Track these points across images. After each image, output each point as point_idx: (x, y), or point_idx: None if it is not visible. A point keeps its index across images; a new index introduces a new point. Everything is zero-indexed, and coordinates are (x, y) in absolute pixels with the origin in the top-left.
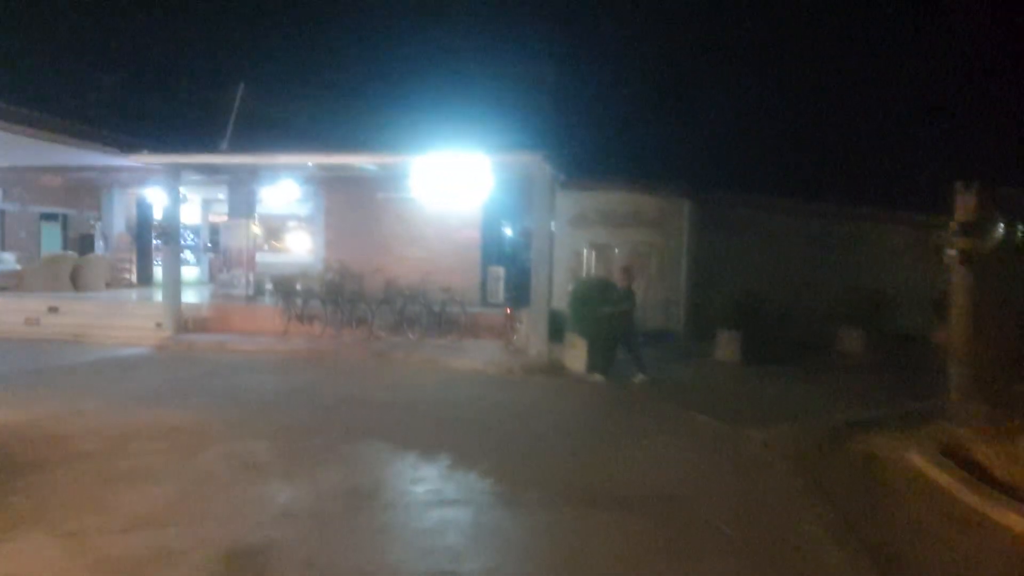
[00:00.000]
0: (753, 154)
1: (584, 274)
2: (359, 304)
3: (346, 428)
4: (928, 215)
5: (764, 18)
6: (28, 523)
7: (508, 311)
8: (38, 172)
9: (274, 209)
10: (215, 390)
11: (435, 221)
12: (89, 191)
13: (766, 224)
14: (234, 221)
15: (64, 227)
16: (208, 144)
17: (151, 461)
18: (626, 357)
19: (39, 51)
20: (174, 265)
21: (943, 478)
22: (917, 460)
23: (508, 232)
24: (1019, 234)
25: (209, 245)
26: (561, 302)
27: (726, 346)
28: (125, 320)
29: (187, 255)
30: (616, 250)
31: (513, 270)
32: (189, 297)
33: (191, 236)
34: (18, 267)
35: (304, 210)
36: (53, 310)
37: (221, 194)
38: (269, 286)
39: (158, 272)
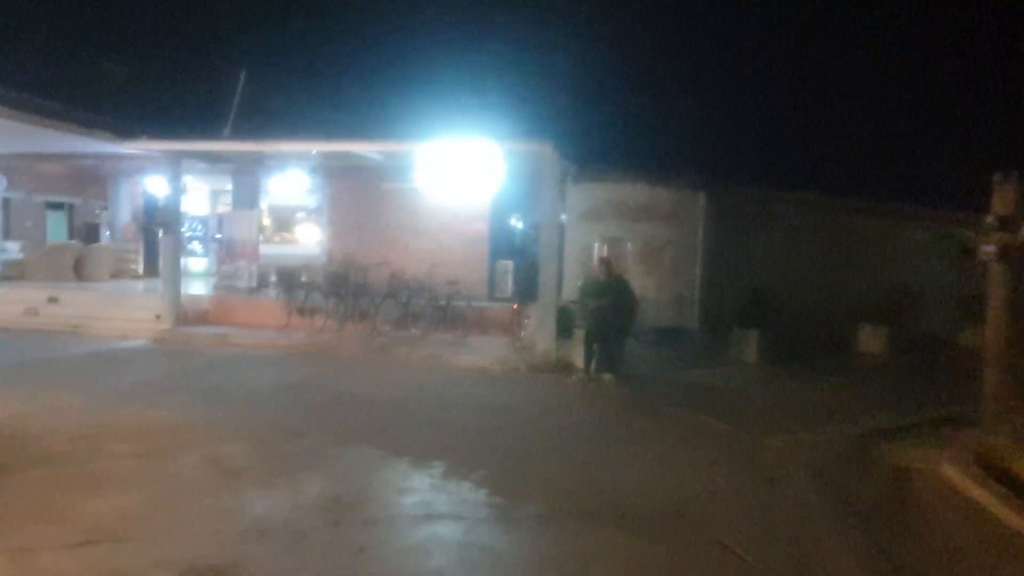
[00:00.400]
0: (772, 146)
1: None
2: (362, 297)
3: (337, 429)
4: (953, 211)
5: (785, 7)
6: None
7: (515, 307)
8: (38, 160)
9: (283, 200)
10: (206, 386)
11: (442, 213)
12: (95, 180)
13: (784, 219)
14: (238, 211)
15: (70, 216)
16: (210, 131)
17: (122, 465)
18: (599, 351)
19: (36, 35)
20: (174, 256)
21: (981, 494)
22: (951, 473)
23: (518, 225)
24: None
25: (219, 236)
26: (571, 298)
27: (742, 345)
28: (125, 312)
29: (195, 246)
30: (629, 244)
31: (522, 264)
32: (195, 288)
33: (199, 227)
34: (22, 256)
35: (312, 201)
36: (53, 300)
37: (230, 184)
38: (274, 278)
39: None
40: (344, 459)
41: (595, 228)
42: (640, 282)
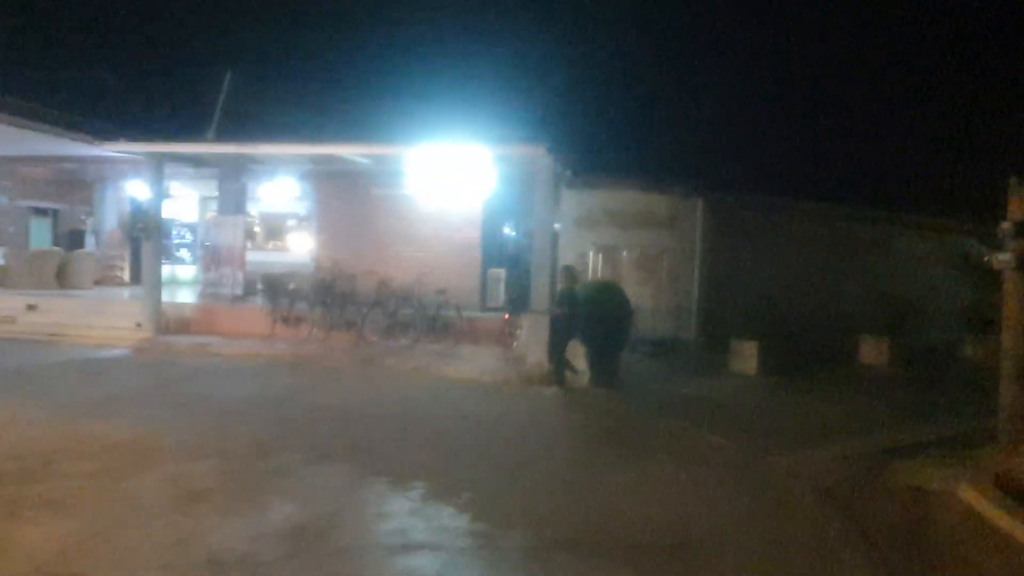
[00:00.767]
0: (772, 153)
1: (590, 277)
2: (349, 306)
3: (312, 446)
4: (955, 219)
5: (786, 11)
6: None
7: (507, 316)
8: (18, 163)
9: (273, 207)
10: (180, 398)
11: (432, 219)
12: (81, 186)
13: (785, 227)
14: (222, 217)
15: (55, 223)
16: (192, 134)
17: (74, 487)
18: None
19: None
20: (155, 263)
21: (1003, 519)
22: (970, 496)
23: (511, 233)
24: None
25: (208, 244)
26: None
27: (742, 357)
28: (105, 320)
29: (184, 253)
30: (624, 252)
31: (515, 272)
32: (183, 296)
33: (188, 234)
34: (3, 263)
35: (303, 209)
36: (32, 308)
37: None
38: (261, 285)
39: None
40: (317, 479)
41: (590, 236)
42: (636, 291)
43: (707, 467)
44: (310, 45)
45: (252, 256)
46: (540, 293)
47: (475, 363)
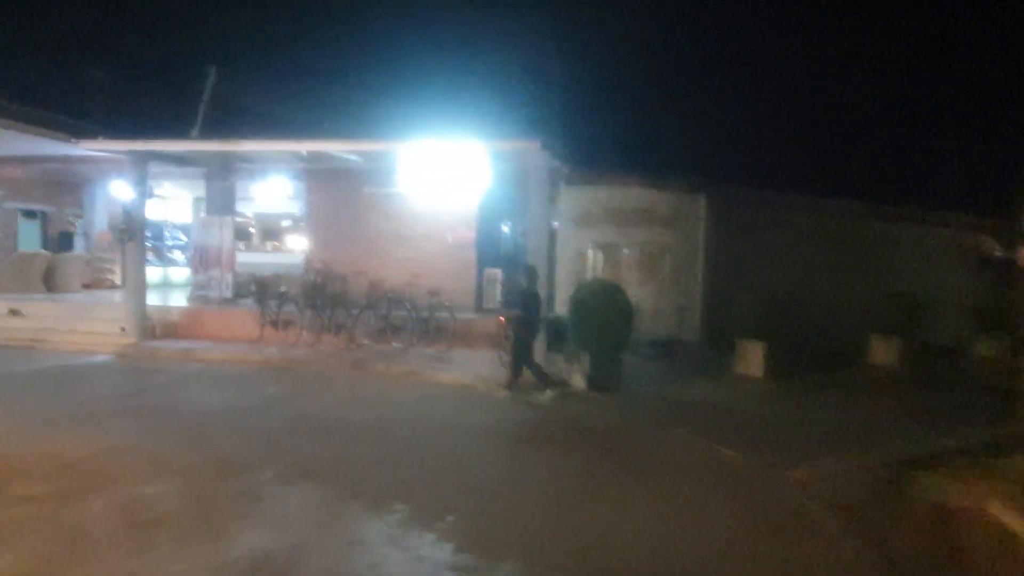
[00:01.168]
0: (776, 147)
1: (589, 277)
2: (339, 308)
3: (288, 462)
4: (966, 215)
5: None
6: None
7: (501, 319)
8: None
9: (269, 208)
10: (156, 408)
11: (426, 218)
12: (70, 187)
13: (790, 223)
14: (210, 218)
15: (43, 225)
16: (174, 132)
17: (19, 512)
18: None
19: None
20: (138, 265)
21: None
22: (1000, 512)
23: (507, 231)
24: None
25: (196, 245)
26: (563, 308)
27: (747, 358)
28: (89, 324)
29: (177, 255)
30: (625, 251)
31: (512, 273)
32: (175, 299)
33: (183, 235)
34: None
35: (298, 209)
36: (14, 312)
37: None
38: (254, 288)
39: (148, 273)
40: (287, 501)
41: (589, 234)
42: (637, 291)
43: (713, 482)
44: (301, 40)
45: (247, 257)
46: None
47: (469, 367)
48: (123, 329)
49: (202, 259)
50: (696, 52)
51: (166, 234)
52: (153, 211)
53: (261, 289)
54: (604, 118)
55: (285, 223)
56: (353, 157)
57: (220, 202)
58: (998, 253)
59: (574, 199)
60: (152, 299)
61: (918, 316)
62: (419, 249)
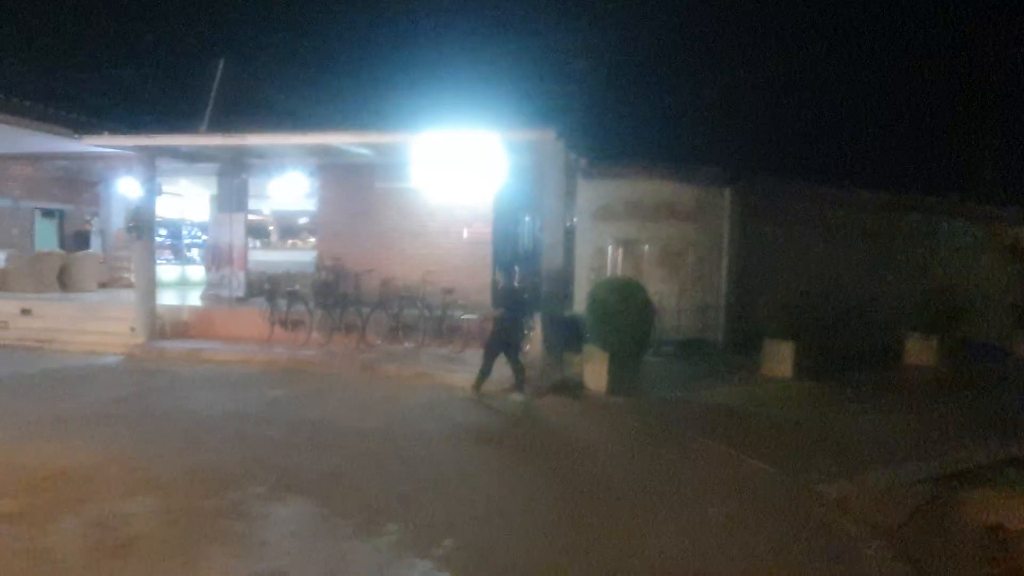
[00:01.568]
0: (806, 137)
1: (608, 274)
2: (349, 307)
3: (281, 475)
4: (1008, 207)
5: None
6: None
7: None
8: (5, 161)
9: (284, 205)
10: (153, 413)
11: (440, 214)
12: (87, 185)
13: (821, 217)
14: (222, 215)
15: (61, 224)
16: (181, 126)
17: None
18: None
19: None
20: (147, 264)
21: None
22: None
23: (526, 227)
24: None
25: (209, 243)
26: (582, 307)
27: (776, 358)
28: (99, 324)
29: (194, 253)
30: (646, 247)
31: (529, 270)
32: (191, 298)
33: (201, 234)
34: (2, 265)
35: (314, 205)
36: (26, 312)
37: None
38: (267, 286)
39: (164, 272)
40: (273, 521)
41: (608, 230)
42: (659, 288)
43: (742, 499)
44: (312, 32)
45: (265, 256)
46: (552, 292)
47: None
48: (132, 329)
49: (215, 257)
50: (721, 37)
51: (184, 232)
52: (171, 209)
53: (271, 288)
54: (624, 108)
55: (302, 221)
56: (364, 151)
57: (233, 199)
58: None
59: (592, 193)
60: (168, 298)
61: (956, 313)
62: (433, 246)
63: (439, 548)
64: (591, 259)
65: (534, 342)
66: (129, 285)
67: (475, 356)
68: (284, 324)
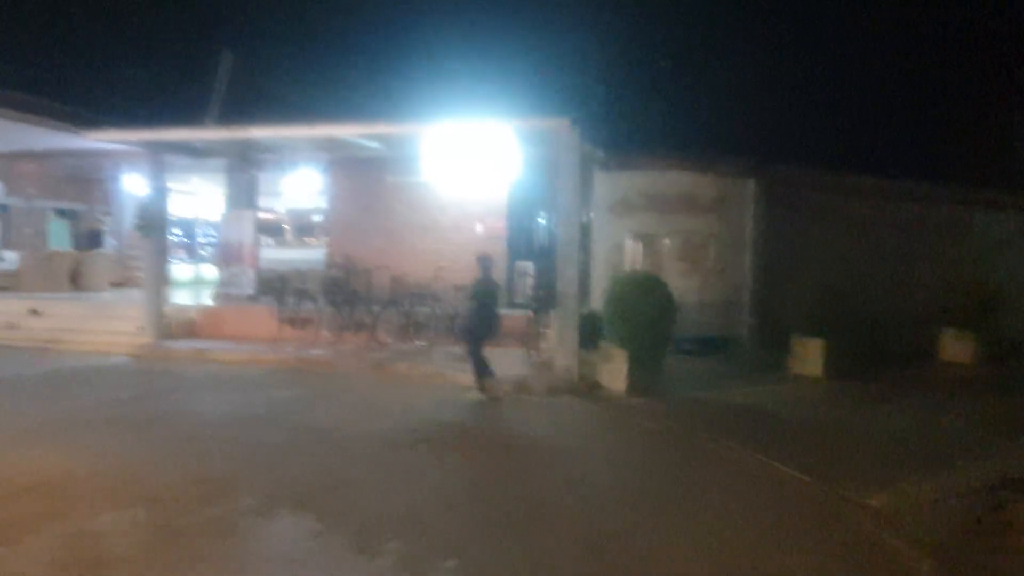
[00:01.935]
0: (833, 125)
1: (627, 269)
2: (359, 305)
3: (278, 484)
4: None
5: None
6: None
7: (531, 315)
8: (13, 159)
9: (298, 202)
10: (151, 417)
11: (452, 208)
12: (100, 185)
13: (850, 208)
14: (232, 212)
15: (74, 223)
16: (187, 121)
17: None
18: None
19: None
20: (156, 262)
21: None
22: None
23: (543, 222)
24: None
25: (220, 241)
26: (599, 304)
27: (804, 356)
28: (108, 324)
29: (208, 252)
30: (666, 241)
31: (544, 266)
32: (203, 296)
33: (215, 233)
34: (14, 265)
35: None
36: (35, 312)
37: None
38: (278, 285)
39: (178, 271)
40: (263, 538)
41: (626, 223)
42: (679, 284)
43: (775, 512)
44: (319, 23)
45: (278, 253)
46: (568, 289)
47: (495, 368)
48: (140, 329)
49: (225, 255)
50: (743, 21)
51: (198, 231)
52: (185, 207)
53: (275, 286)
54: (642, 97)
55: (316, 218)
56: (373, 144)
57: (242, 196)
58: None
59: (610, 186)
60: (182, 297)
61: (993, 308)
62: (445, 241)
63: (442, 568)
64: (609, 254)
65: (550, 340)
66: (141, 284)
67: (490, 355)
68: (293, 323)
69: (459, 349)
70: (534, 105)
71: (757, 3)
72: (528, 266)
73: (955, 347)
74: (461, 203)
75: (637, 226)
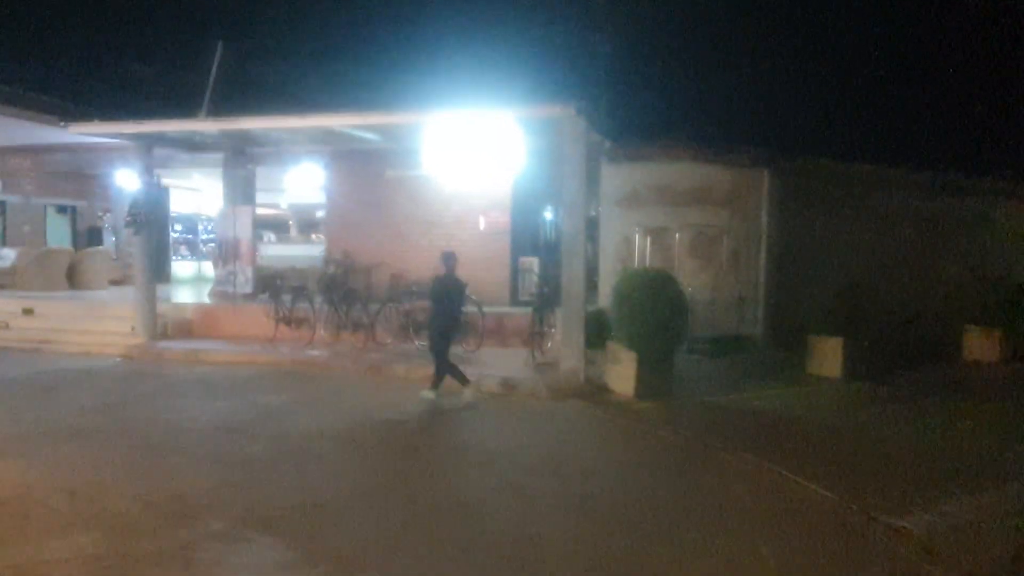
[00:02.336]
0: (852, 113)
1: (637, 266)
2: (356, 303)
3: (252, 504)
4: None
5: None
6: None
7: (533, 313)
8: (2, 154)
9: (300, 199)
10: (128, 426)
11: (454, 203)
12: (100, 180)
13: (870, 201)
14: (228, 208)
15: (74, 220)
16: (176, 112)
17: None
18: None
19: None
20: (147, 260)
21: None
22: None
23: (548, 217)
24: None
25: (216, 238)
26: (607, 302)
27: (822, 356)
28: (101, 324)
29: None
30: (677, 235)
31: (550, 262)
32: (203, 294)
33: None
34: (9, 263)
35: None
36: (28, 312)
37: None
38: (279, 282)
39: (180, 268)
40: (224, 568)
41: (635, 217)
42: (691, 280)
43: (799, 536)
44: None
45: (279, 250)
46: (572, 286)
47: (498, 370)
48: (133, 329)
49: (222, 253)
50: (757, 5)
51: (200, 227)
52: (186, 203)
53: (271, 284)
54: (652, 85)
55: (320, 214)
56: (370, 135)
57: (239, 191)
58: None
59: (618, 178)
60: (183, 295)
61: (1020, 304)
62: (447, 237)
63: None
64: (617, 249)
65: (555, 340)
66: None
67: (490, 355)
68: (290, 322)
69: (459, 350)
70: (537, 93)
71: None
72: (533, 262)
73: (981, 345)
74: (463, 197)
75: (647, 220)
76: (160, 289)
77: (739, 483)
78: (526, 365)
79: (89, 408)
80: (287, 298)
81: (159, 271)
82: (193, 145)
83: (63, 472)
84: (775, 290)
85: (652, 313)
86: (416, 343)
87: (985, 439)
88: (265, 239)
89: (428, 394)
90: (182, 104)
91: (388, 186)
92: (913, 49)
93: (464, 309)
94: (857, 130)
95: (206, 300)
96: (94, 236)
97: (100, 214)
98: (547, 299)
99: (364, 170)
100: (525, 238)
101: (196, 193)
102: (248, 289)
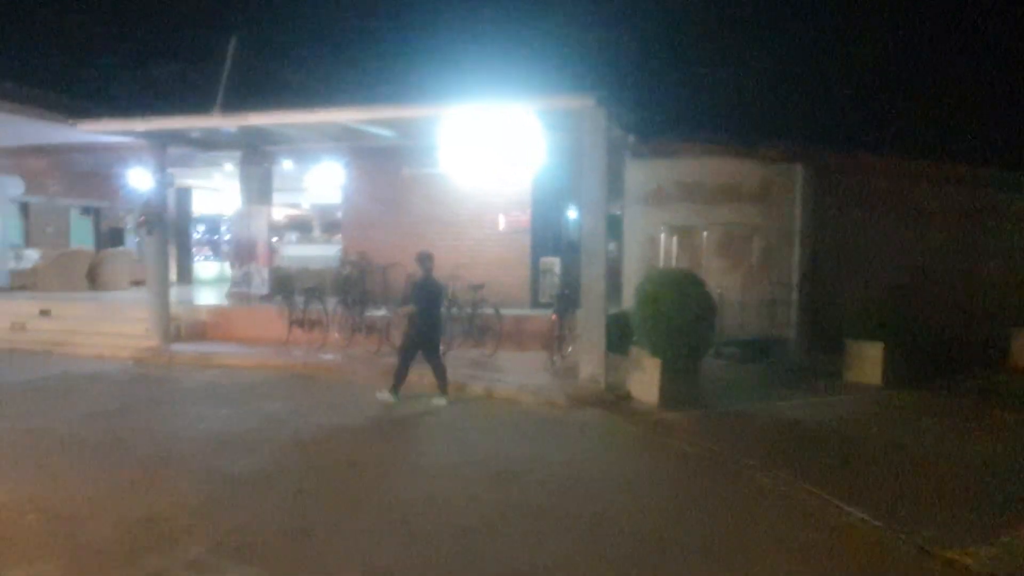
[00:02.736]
0: (891, 104)
1: (663, 266)
2: (371, 305)
3: (238, 528)
4: None
5: None
6: None
7: (554, 317)
8: (23, 155)
9: (322, 198)
10: (124, 435)
11: (472, 201)
12: (122, 181)
13: (909, 196)
14: (244, 208)
15: (97, 221)
16: (186, 109)
17: None
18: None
19: None
20: (160, 261)
21: None
22: None
23: (571, 216)
24: None
25: (232, 239)
26: (630, 304)
27: (861, 362)
28: (116, 326)
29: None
30: (704, 234)
31: (571, 262)
32: (222, 296)
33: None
34: (30, 264)
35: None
36: (44, 313)
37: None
38: (298, 284)
39: (203, 269)
40: None
41: (660, 215)
42: (719, 281)
43: (842, 573)
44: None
45: (300, 251)
46: (593, 287)
47: (514, 376)
48: (149, 331)
49: (238, 253)
50: None
51: (222, 228)
52: (208, 204)
53: (284, 285)
54: (677, 77)
55: (340, 213)
56: (385, 132)
57: (254, 190)
58: None
59: (643, 174)
60: (206, 295)
61: None
62: (465, 236)
63: None
64: (642, 249)
65: (576, 345)
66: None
67: (508, 359)
68: (302, 324)
69: (475, 354)
70: (557, 86)
71: None
72: (554, 263)
73: None
74: (481, 195)
75: (672, 218)
76: (182, 290)
77: (773, 507)
78: (545, 370)
79: (86, 415)
80: (302, 300)
81: (181, 272)
82: (208, 144)
83: (40, 489)
84: (809, 291)
85: (678, 316)
86: None
87: None
88: (288, 240)
89: (440, 401)
90: (197, 102)
91: (405, 185)
92: (956, 36)
93: (439, 313)
94: (896, 122)
95: (224, 302)
96: (117, 237)
97: (122, 215)
98: (568, 301)
99: (381, 168)
100: (546, 238)
101: (217, 194)
102: (264, 290)
